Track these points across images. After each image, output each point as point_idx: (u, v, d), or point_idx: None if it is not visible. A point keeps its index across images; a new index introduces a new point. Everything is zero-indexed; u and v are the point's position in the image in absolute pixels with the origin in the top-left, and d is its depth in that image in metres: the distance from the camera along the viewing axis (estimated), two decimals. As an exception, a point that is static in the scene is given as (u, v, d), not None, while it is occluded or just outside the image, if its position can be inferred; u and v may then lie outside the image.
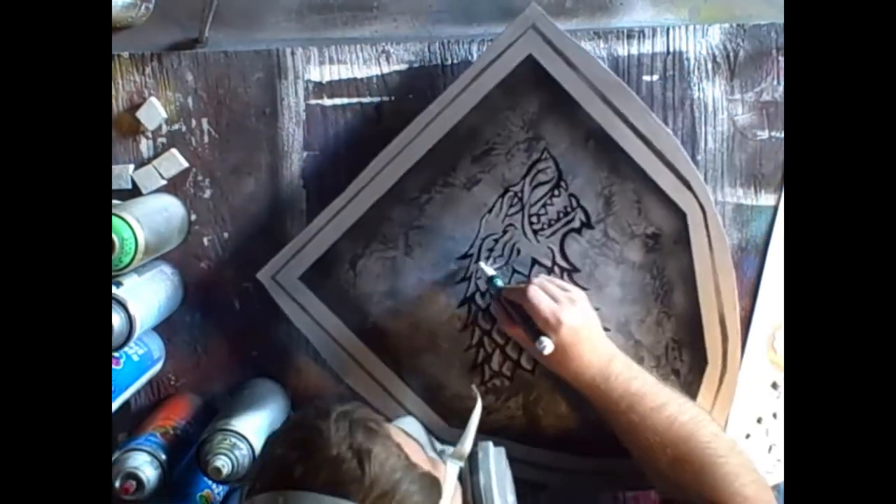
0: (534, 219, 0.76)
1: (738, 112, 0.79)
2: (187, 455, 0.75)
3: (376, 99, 0.78)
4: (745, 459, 0.67)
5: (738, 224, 0.81)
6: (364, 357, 0.78)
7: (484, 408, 0.78)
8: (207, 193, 0.79)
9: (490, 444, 0.65)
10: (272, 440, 0.56)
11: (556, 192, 0.76)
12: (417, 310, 0.78)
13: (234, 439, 0.69)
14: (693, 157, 0.79)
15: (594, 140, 0.75)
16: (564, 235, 0.77)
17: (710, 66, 0.78)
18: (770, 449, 0.82)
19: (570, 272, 0.77)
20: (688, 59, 0.78)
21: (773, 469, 0.81)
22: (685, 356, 0.77)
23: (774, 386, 0.82)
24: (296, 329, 0.78)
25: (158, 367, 0.80)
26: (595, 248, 0.77)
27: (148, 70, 0.78)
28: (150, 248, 0.68)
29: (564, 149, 0.75)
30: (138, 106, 0.77)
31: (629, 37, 0.78)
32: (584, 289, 0.75)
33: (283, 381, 0.82)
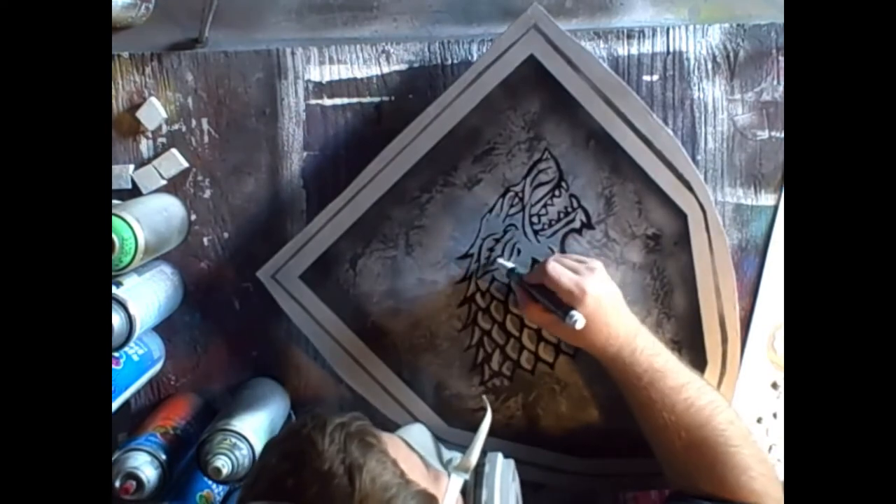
0: (534, 219, 0.76)
1: (738, 112, 0.79)
2: (187, 455, 0.75)
3: (376, 99, 0.78)
4: (757, 451, 0.67)
5: (738, 224, 0.81)
6: (364, 356, 0.78)
7: (483, 408, 0.79)
8: (207, 193, 0.79)
9: (499, 455, 0.63)
10: (269, 447, 0.55)
11: (556, 193, 0.76)
12: (417, 309, 0.78)
13: (234, 439, 0.69)
14: (693, 157, 0.79)
15: (595, 140, 0.75)
16: (565, 236, 0.77)
17: (710, 66, 0.78)
18: (770, 449, 0.82)
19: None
20: (688, 59, 0.78)
21: (773, 469, 0.81)
22: (685, 356, 0.77)
23: (774, 386, 0.82)
24: (296, 329, 0.78)
25: (158, 367, 0.80)
26: (595, 249, 0.77)
27: (148, 70, 0.78)
28: (150, 248, 0.67)
29: (565, 149, 0.75)
30: (138, 106, 0.77)
31: (629, 37, 0.78)
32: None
33: (283, 381, 0.82)
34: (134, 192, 0.79)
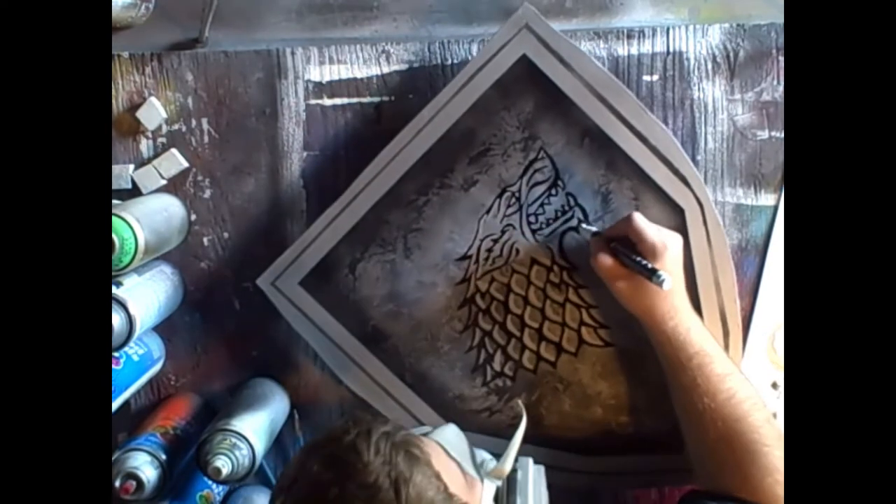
0: (532, 218, 0.76)
1: (738, 112, 0.79)
2: (187, 455, 0.75)
3: (376, 99, 0.78)
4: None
5: (738, 224, 0.80)
6: (366, 360, 0.78)
7: (486, 408, 0.79)
8: (207, 193, 0.79)
9: (530, 461, 0.63)
10: (307, 451, 0.54)
11: (553, 192, 0.76)
12: (418, 312, 0.78)
13: (234, 439, 0.69)
14: (693, 157, 0.79)
15: (590, 138, 0.75)
16: (563, 234, 0.77)
17: (710, 66, 0.78)
18: (770, 449, 0.82)
19: (570, 271, 0.77)
20: (688, 59, 0.78)
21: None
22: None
23: (774, 386, 0.82)
24: (296, 329, 0.78)
25: (158, 367, 0.80)
26: (595, 248, 0.77)
27: (148, 70, 0.78)
28: (150, 248, 0.68)
29: (560, 147, 0.75)
30: (138, 106, 0.77)
31: (629, 37, 0.78)
32: (583, 287, 0.76)
33: (283, 381, 0.82)
34: (134, 192, 0.79)
